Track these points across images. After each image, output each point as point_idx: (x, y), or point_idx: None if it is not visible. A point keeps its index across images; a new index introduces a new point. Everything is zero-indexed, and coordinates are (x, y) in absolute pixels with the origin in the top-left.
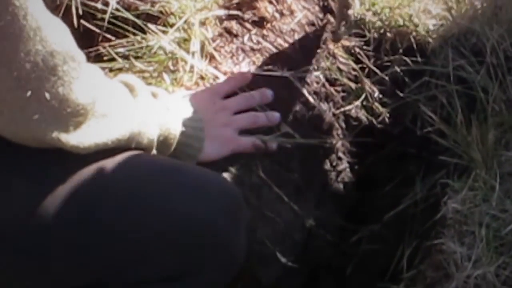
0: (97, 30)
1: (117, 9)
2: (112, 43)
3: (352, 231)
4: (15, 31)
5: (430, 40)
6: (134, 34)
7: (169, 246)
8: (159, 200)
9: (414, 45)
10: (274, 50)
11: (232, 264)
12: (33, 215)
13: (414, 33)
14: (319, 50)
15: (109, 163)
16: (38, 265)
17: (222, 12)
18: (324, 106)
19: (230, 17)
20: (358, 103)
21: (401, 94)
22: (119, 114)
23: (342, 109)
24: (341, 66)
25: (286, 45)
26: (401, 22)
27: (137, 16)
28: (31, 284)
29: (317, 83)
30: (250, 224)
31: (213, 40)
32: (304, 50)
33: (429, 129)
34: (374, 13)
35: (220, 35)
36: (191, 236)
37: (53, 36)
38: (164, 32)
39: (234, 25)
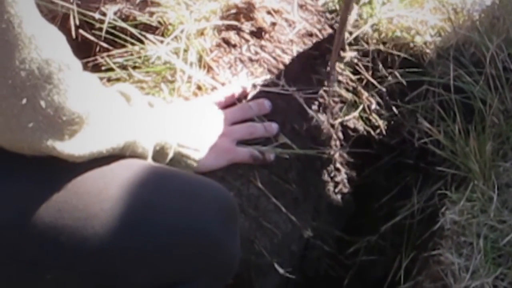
0: (95, 40)
1: (115, 20)
2: (110, 53)
3: (350, 242)
4: (10, 38)
5: (428, 50)
6: (132, 44)
7: (163, 253)
8: (153, 209)
9: (412, 56)
10: (273, 61)
11: (227, 271)
12: (27, 223)
13: (412, 44)
14: (317, 61)
15: (104, 171)
16: (31, 274)
17: (220, 23)
18: (322, 117)
19: (228, 28)
20: (356, 114)
21: (399, 105)
22: (115, 123)
23: (340, 120)
24: (339, 77)
25: (284, 55)
26: (399, 33)
27: (135, 26)
28: None
29: (315, 93)
30: (247, 235)
31: (211, 51)
32: (302, 61)
33: (426, 140)
34: (372, 25)
35: (218, 45)
36: (185, 243)
37: (49, 44)
38: (162, 42)
39: (232, 36)
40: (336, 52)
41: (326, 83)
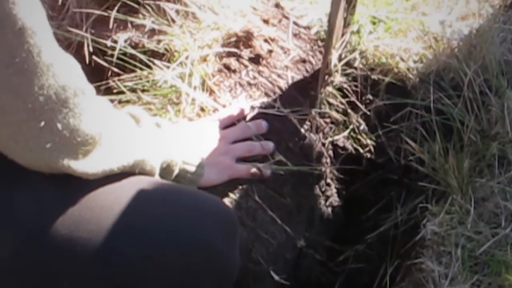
0: (107, 66)
1: (125, 47)
2: (120, 78)
3: (339, 251)
4: (29, 67)
5: (411, 76)
6: (141, 69)
7: (169, 263)
8: (161, 222)
9: (397, 81)
10: (269, 85)
11: (227, 279)
12: (45, 235)
13: (396, 70)
14: (310, 85)
15: (115, 187)
16: (50, 281)
17: (221, 50)
18: (314, 136)
19: (228, 54)
20: (345, 134)
21: (385, 125)
22: (125, 143)
23: (331, 139)
24: (330, 100)
25: (280, 80)
26: (384, 59)
27: (144, 53)
28: None
29: (308, 115)
30: (246, 245)
31: (213, 75)
32: (296, 85)
33: (410, 158)
34: (360, 52)
35: (220, 70)
36: (190, 254)
37: (65, 71)
38: (168, 67)
39: (232, 62)
40: (322, 77)
41: (316, 105)
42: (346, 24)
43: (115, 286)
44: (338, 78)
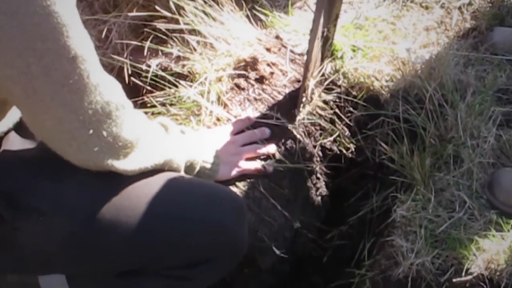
0: (142, 85)
1: (156, 70)
2: (153, 94)
3: (327, 230)
4: (80, 87)
5: (383, 92)
6: (169, 88)
7: (193, 240)
8: (186, 208)
9: (372, 96)
10: (271, 100)
11: (238, 254)
12: (95, 219)
13: (371, 87)
14: (303, 100)
15: (149, 181)
16: (102, 256)
17: (233, 72)
18: (307, 140)
19: (238, 76)
20: (331, 138)
21: (363, 132)
22: (156, 146)
23: (320, 143)
24: (320, 112)
25: (279, 96)
26: (362, 79)
27: (171, 75)
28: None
29: (302, 124)
30: (253, 226)
31: (226, 92)
32: (293, 100)
33: (383, 157)
34: (343, 73)
35: (232, 88)
36: (209, 233)
37: (108, 90)
38: (191, 86)
39: (241, 82)
40: (300, 100)
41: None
42: (324, 57)
43: (148, 259)
44: (314, 102)
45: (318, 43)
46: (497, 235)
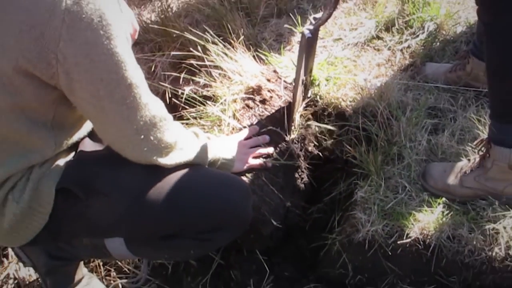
0: (179, 104)
1: (189, 93)
2: (187, 111)
3: (308, 207)
4: (134, 105)
5: (348, 109)
6: (198, 106)
7: (212, 214)
8: (209, 190)
9: (340, 112)
10: (271, 116)
11: (244, 224)
12: (143, 199)
13: (339, 106)
14: (295, 116)
15: (183, 171)
16: (146, 228)
17: (244, 96)
18: (296, 145)
19: (248, 98)
20: (312, 144)
21: (334, 137)
22: (189, 148)
23: (304, 146)
24: (304, 123)
25: (277, 114)
26: (333, 100)
27: (200, 97)
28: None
29: (292, 132)
30: (257, 205)
31: (239, 110)
32: (287, 116)
33: (348, 155)
34: (320, 96)
35: (243, 107)
36: (223, 208)
37: (154, 107)
38: (214, 105)
39: (250, 103)
40: (289, 128)
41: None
42: (306, 97)
43: (181, 226)
44: (297, 130)
45: (300, 89)
46: (428, 210)
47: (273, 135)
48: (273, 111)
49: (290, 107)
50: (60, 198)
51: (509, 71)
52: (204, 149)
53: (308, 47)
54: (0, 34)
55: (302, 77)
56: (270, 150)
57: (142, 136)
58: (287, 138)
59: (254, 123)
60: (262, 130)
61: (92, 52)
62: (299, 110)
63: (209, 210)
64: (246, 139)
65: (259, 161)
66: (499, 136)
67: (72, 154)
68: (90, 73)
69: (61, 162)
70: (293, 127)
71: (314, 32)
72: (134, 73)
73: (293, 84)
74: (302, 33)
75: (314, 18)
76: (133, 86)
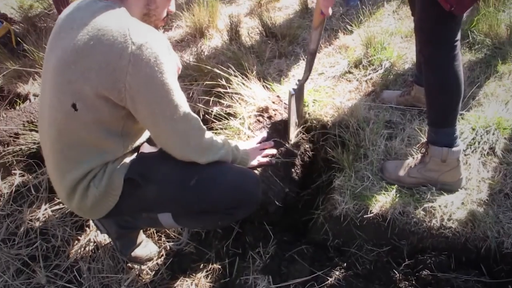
0: (210, 119)
1: (217, 111)
2: (216, 124)
3: (300, 192)
4: (179, 120)
5: (329, 123)
6: (224, 120)
7: (232, 197)
8: (231, 178)
9: (323, 128)
10: (275, 128)
11: (255, 203)
12: (183, 184)
13: (323, 121)
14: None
15: (212, 165)
16: (186, 195)
17: (256, 113)
18: (294, 149)
19: (258, 115)
20: (303, 147)
21: (320, 145)
22: (218, 150)
23: (299, 149)
24: (300, 136)
25: (279, 127)
26: (318, 116)
27: (225, 114)
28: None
29: (291, 142)
30: (265, 190)
31: (253, 123)
32: (286, 130)
33: (329, 155)
34: (309, 114)
35: (255, 121)
36: (240, 192)
37: (194, 121)
38: (235, 119)
39: (260, 118)
40: (289, 129)
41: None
42: (300, 125)
43: (212, 204)
44: (295, 138)
45: (294, 126)
46: (385, 193)
47: (277, 141)
48: (277, 125)
49: (287, 123)
50: (127, 185)
51: (442, 88)
52: (228, 151)
53: (296, 98)
54: (85, 69)
55: (295, 120)
56: (274, 151)
57: (185, 142)
58: (286, 144)
59: (264, 133)
60: (269, 138)
61: (149, 82)
62: (295, 134)
63: (232, 194)
64: (257, 143)
65: (267, 159)
66: (434, 138)
67: (135, 154)
68: (148, 98)
69: (128, 160)
70: (289, 139)
71: (298, 91)
72: (179, 97)
73: (286, 109)
74: (289, 92)
75: (298, 80)
76: (178, 106)
